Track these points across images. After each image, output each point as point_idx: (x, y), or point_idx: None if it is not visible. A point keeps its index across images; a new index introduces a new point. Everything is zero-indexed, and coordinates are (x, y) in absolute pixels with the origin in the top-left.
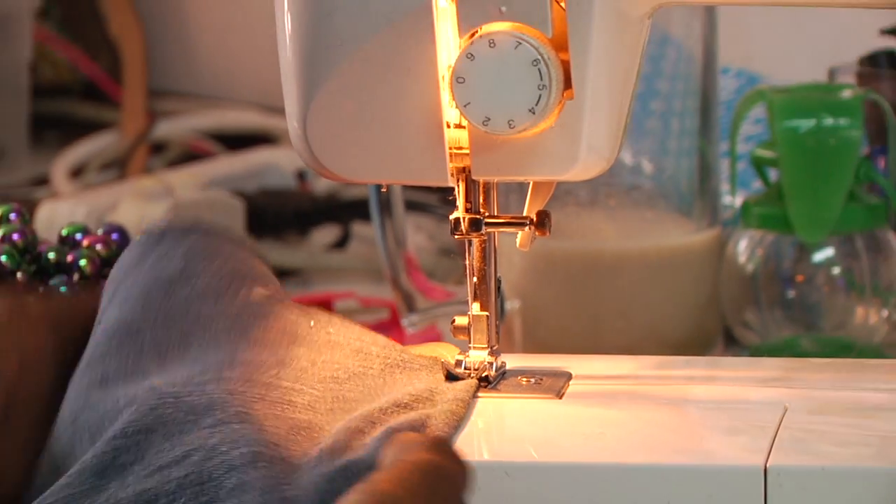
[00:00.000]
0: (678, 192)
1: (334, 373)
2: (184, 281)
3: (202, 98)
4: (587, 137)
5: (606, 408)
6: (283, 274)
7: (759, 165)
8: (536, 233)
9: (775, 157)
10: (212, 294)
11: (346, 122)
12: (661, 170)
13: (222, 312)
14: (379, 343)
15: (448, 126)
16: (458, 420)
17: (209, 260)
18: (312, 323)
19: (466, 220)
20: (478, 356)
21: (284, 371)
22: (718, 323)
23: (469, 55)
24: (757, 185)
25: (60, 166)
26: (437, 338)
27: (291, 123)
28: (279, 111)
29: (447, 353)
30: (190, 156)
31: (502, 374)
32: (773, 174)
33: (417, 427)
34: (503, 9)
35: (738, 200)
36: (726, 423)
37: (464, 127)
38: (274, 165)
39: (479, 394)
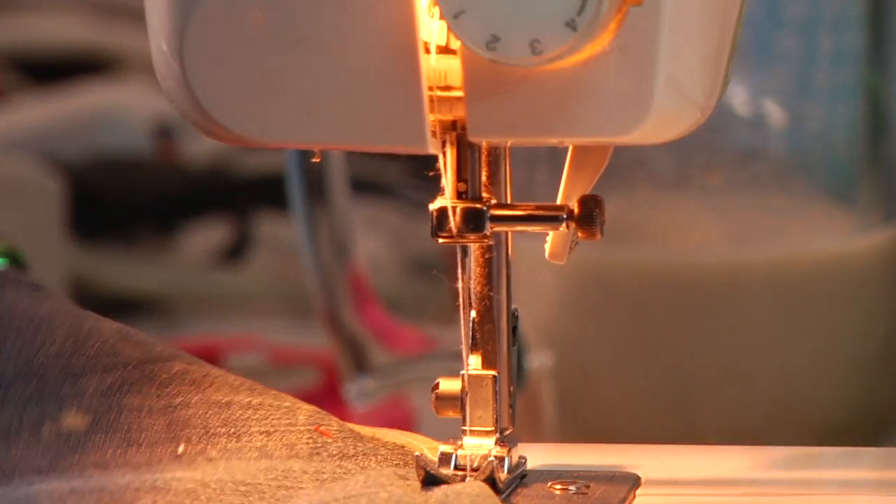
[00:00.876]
0: (831, 162)
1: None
2: None
3: None
4: (666, 69)
5: None
6: (131, 305)
7: None
8: (580, 234)
9: None
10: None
11: (251, 41)
12: (800, 124)
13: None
14: (303, 435)
15: (427, 51)
16: None
17: None
18: (182, 449)
19: (459, 211)
20: (478, 446)
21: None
22: None
23: None
24: None
25: None
26: (404, 419)
27: (156, 42)
28: (130, 18)
29: (427, 446)
30: None
31: (521, 476)
32: None
33: None
34: None
35: None
36: None
37: (454, 52)
38: (116, 115)
39: None
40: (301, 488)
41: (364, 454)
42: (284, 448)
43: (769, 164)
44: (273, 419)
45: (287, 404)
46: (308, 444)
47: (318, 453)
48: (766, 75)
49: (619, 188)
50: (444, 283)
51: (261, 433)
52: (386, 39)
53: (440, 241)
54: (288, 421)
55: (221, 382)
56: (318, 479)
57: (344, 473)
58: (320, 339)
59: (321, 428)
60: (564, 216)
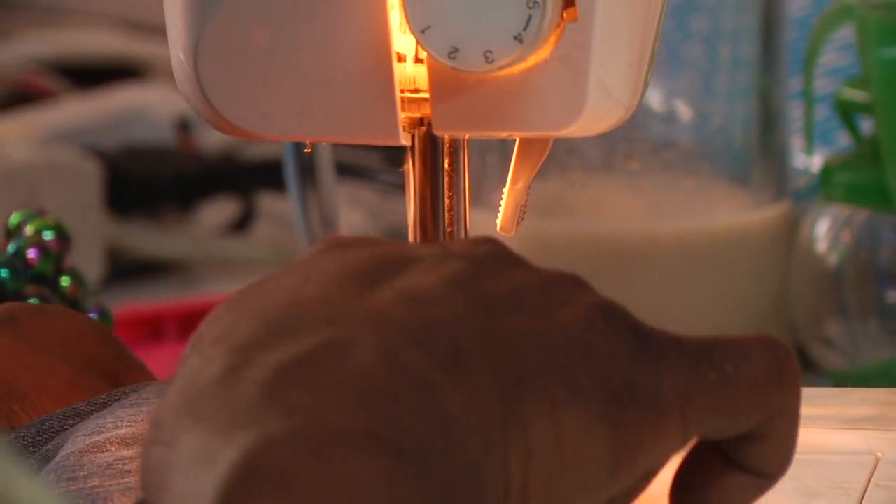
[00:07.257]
0: (729, 150)
1: None
2: None
3: (41, 13)
4: (597, 74)
5: None
6: (157, 268)
7: (847, 112)
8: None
9: (869, 100)
10: None
11: (253, 52)
12: (704, 119)
13: None
14: None
15: (400, 60)
16: None
17: None
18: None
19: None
20: None
21: None
22: (787, 339)
23: None
24: (844, 140)
25: None
26: None
27: (175, 53)
28: (155, 33)
29: None
30: (21, 97)
31: None
32: (866, 125)
33: None
34: None
35: (815, 163)
36: (795, 481)
37: (422, 61)
38: (144, 112)
39: None
40: None
41: None
42: None
43: (679, 152)
44: None
45: None
46: None
47: None
48: (676, 79)
49: (555, 171)
50: None
51: None
52: (365, 51)
53: None
54: None
55: None
56: None
57: None
58: None
59: None
60: None
